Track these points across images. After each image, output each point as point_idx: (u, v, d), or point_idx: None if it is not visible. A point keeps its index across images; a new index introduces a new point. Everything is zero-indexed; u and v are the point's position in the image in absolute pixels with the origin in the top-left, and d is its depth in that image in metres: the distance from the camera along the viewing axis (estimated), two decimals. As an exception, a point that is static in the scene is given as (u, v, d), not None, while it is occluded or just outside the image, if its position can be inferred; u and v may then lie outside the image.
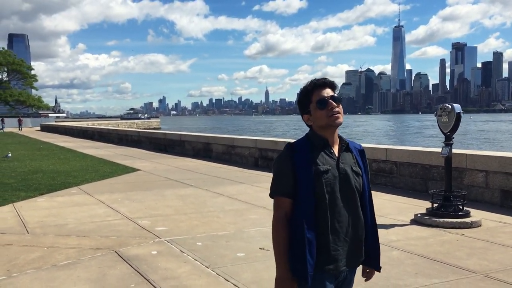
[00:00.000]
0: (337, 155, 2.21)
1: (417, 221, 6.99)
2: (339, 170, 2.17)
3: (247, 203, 8.62)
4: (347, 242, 2.17)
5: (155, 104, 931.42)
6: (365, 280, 2.40)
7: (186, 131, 29.23)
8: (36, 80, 77.43)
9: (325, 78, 2.26)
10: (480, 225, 6.75)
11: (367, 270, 2.37)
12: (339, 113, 2.19)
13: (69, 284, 4.46)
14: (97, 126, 42.30)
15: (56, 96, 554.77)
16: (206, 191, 10.03)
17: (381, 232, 6.12)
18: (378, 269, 2.34)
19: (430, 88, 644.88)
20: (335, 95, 2.22)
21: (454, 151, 9.44)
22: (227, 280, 4.57)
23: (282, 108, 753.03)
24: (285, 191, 2.14)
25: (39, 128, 62.98)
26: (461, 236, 6.23)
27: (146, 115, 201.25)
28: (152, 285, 4.43)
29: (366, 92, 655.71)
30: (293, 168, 2.13)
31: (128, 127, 53.17)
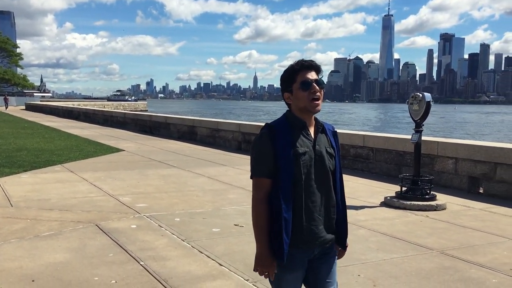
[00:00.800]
0: (313, 136, 2.28)
1: (386, 203, 7.36)
2: (315, 151, 2.24)
3: (226, 183, 8.91)
4: (320, 221, 2.25)
5: (143, 87, 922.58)
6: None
7: (173, 114, 29.29)
8: (22, 59, 76.58)
9: (312, 61, 2.28)
10: (445, 208, 7.13)
11: (339, 249, 2.42)
12: (319, 99, 2.24)
13: (50, 253, 4.72)
14: (83, 107, 42.10)
15: (41, 75, 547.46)
16: (188, 171, 10.29)
17: (351, 212, 6.54)
18: (344, 248, 2.43)
19: (417, 78, 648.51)
20: (319, 79, 2.27)
21: (427, 138, 9.83)
22: (200, 252, 4.87)
23: (270, 94, 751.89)
24: (266, 172, 2.20)
25: (23, 107, 62.32)
26: (425, 217, 6.60)
27: (133, 97, 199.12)
28: (130, 255, 4.71)
29: (354, 80, 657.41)
30: (274, 149, 2.18)
31: (114, 109, 52.92)
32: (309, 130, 2.27)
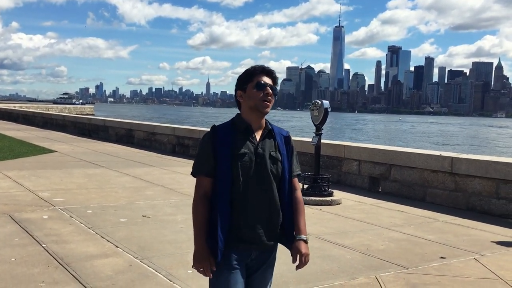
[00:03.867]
0: (258, 140, 2.32)
1: (289, 199, 8.14)
2: (256, 154, 2.28)
3: (148, 182, 9.44)
4: (260, 224, 2.27)
5: (92, 90, 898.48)
6: (296, 268, 2.37)
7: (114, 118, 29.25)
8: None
9: (273, 70, 2.39)
10: (339, 203, 8.00)
11: (295, 254, 2.35)
12: (270, 101, 2.32)
13: (-41, 238, 5.13)
14: (23, 109, 41.09)
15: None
16: (114, 171, 10.73)
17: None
18: (291, 247, 2.37)
19: (366, 88, 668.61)
20: (274, 86, 2.36)
21: (336, 142, 10.80)
22: (102, 237, 5.42)
23: (223, 100, 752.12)
24: (205, 171, 2.28)
25: (-40, 108, 59.76)
26: (319, 210, 7.43)
27: (80, 101, 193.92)
28: (35, 239, 5.20)
29: (305, 89, 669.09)
30: (214, 149, 2.26)
31: (59, 112, 51.83)
32: (254, 133, 2.33)
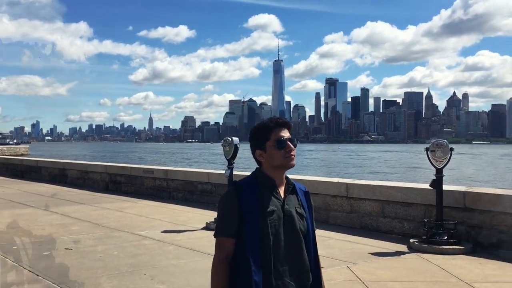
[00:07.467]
0: (282, 196, 2.23)
1: (206, 227, 9.02)
2: (284, 211, 2.18)
3: (75, 218, 9.99)
4: (291, 285, 2.16)
5: (28, 129, 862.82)
6: None
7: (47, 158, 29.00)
8: None
9: (285, 119, 2.32)
10: (251, 229, 8.94)
11: None
12: (294, 155, 2.25)
13: None
14: (-49, 152, 39.59)
15: None
16: (43, 210, 11.16)
17: (172, 234, 8.01)
18: None
19: (307, 119, 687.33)
20: (292, 137, 2.28)
21: (248, 173, 11.81)
22: (24, 268, 6.04)
23: (166, 135, 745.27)
24: (229, 232, 2.14)
25: None
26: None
27: (15, 140, 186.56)
28: (-40, 273, 5.74)
29: (248, 121, 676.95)
30: (239, 208, 2.13)
31: (-10, 153, 50.07)
32: (278, 189, 2.25)
